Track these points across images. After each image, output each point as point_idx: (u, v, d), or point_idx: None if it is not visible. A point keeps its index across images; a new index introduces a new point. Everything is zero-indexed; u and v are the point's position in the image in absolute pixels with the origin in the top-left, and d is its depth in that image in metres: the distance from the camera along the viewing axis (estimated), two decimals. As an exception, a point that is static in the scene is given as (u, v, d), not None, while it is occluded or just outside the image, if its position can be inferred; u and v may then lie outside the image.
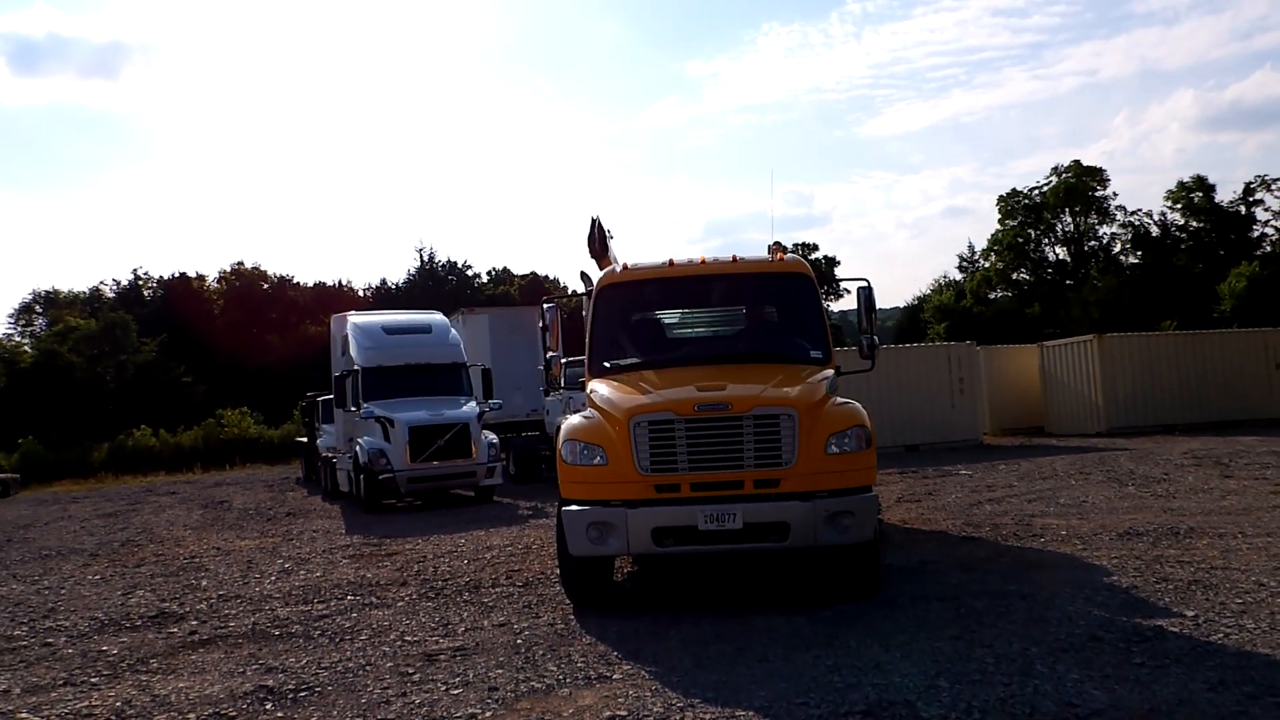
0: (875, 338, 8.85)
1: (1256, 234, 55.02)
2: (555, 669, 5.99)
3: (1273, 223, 53.81)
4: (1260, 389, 27.22)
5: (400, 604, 8.40)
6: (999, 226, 63.10)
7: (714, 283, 9.05)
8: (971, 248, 67.81)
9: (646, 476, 7.04)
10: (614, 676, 5.76)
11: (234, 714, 5.53)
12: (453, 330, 19.40)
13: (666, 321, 9.54)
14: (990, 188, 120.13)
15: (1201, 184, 56.94)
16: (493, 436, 17.82)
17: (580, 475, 7.32)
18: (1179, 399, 26.71)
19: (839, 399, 7.67)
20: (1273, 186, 54.23)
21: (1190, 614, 6.44)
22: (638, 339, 9.07)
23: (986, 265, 64.60)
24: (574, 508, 7.23)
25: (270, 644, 7.22)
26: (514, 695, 5.52)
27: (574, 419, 7.76)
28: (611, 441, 7.18)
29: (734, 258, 8.91)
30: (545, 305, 9.24)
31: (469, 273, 70.62)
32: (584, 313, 9.10)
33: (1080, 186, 59.90)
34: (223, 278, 66.79)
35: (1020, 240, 61.99)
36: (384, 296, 64.23)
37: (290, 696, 5.78)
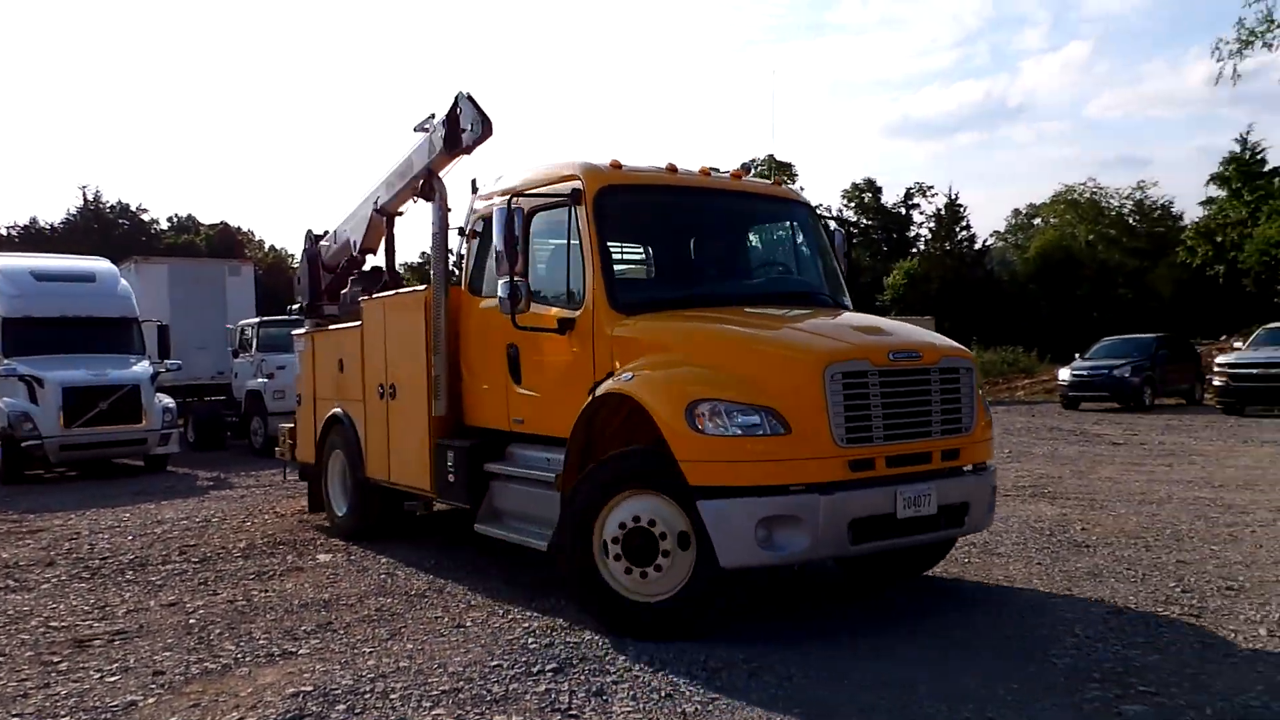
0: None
1: (913, 234, 62.92)
2: (233, 648, 5.57)
3: (927, 224, 61.68)
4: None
5: (45, 586, 7.39)
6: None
7: (728, 202, 7.13)
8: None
9: (843, 450, 5.26)
10: (300, 652, 5.46)
11: None
12: (122, 280, 17.28)
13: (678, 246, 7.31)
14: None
15: (871, 186, 64.10)
16: (169, 400, 16.17)
17: (734, 450, 5.17)
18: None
19: None
20: (928, 192, 62.18)
21: (834, 575, 7.26)
22: (659, 265, 7.00)
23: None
24: (731, 500, 5.14)
25: None
26: (183, 678, 5.06)
27: (672, 373, 5.56)
28: (788, 400, 5.24)
29: (736, 174, 7.23)
30: (499, 205, 6.24)
31: (144, 217, 63.33)
32: (461, 231, 7.26)
33: (771, 178, 65.19)
34: None
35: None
36: (34, 238, 55.76)
37: (-107, 699, 4.89)
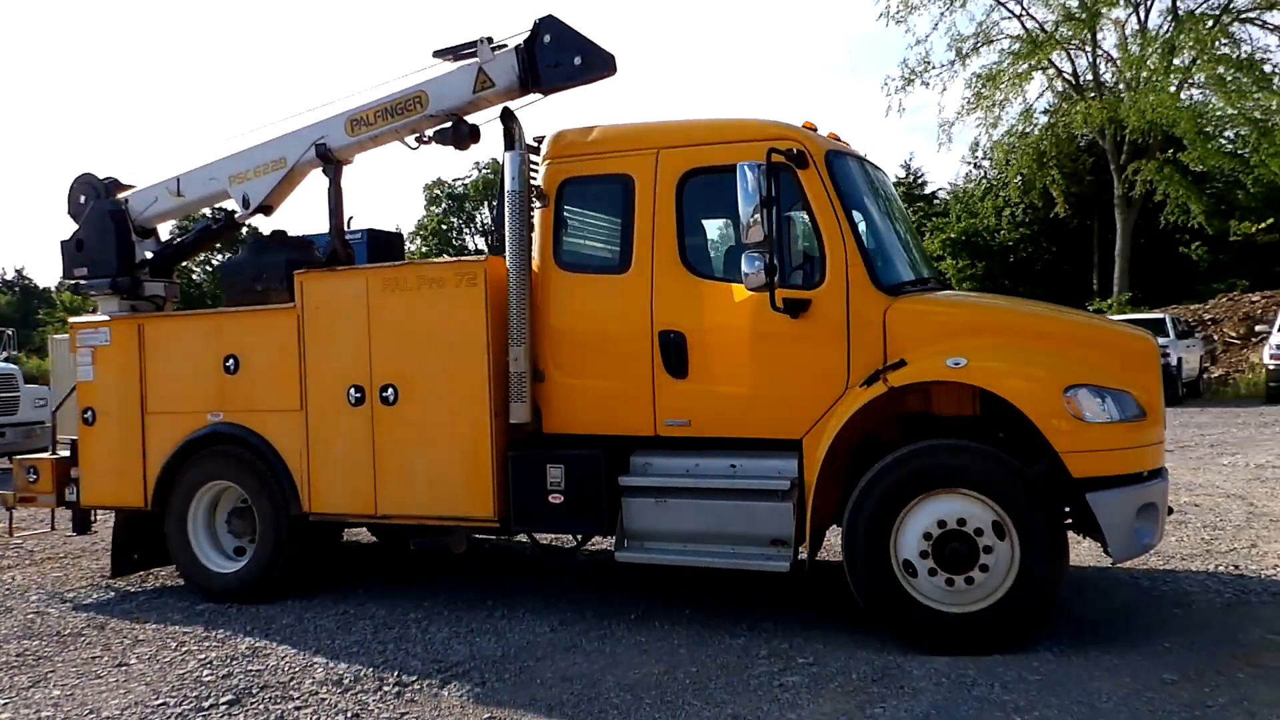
0: None
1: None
2: None
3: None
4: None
5: None
6: (425, 213, 66.18)
7: (888, 180, 6.75)
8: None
9: (1163, 432, 5.40)
10: (-88, 713, 4.69)
11: None
12: None
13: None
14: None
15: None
16: None
17: (1114, 438, 4.95)
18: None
19: None
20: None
21: (533, 575, 7.35)
22: (888, 245, 6.15)
23: (412, 249, 67.00)
24: (1121, 490, 4.92)
25: None
26: None
27: (1026, 356, 5.16)
28: (1139, 384, 5.11)
29: None
30: (747, 163, 5.16)
31: None
32: (536, 193, 6.04)
33: (499, 182, 65.26)
34: None
35: (445, 227, 65.69)
36: None
37: None
